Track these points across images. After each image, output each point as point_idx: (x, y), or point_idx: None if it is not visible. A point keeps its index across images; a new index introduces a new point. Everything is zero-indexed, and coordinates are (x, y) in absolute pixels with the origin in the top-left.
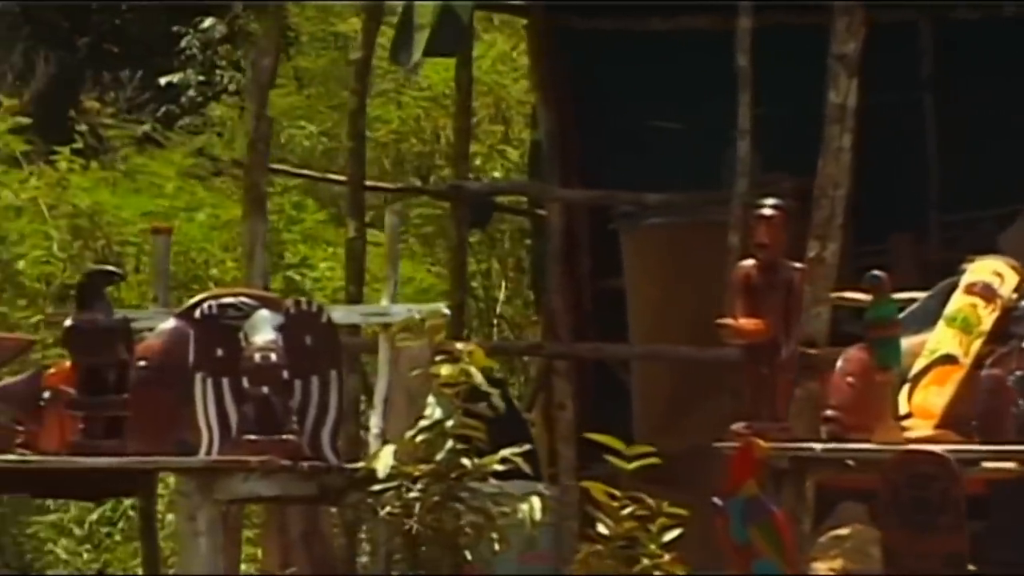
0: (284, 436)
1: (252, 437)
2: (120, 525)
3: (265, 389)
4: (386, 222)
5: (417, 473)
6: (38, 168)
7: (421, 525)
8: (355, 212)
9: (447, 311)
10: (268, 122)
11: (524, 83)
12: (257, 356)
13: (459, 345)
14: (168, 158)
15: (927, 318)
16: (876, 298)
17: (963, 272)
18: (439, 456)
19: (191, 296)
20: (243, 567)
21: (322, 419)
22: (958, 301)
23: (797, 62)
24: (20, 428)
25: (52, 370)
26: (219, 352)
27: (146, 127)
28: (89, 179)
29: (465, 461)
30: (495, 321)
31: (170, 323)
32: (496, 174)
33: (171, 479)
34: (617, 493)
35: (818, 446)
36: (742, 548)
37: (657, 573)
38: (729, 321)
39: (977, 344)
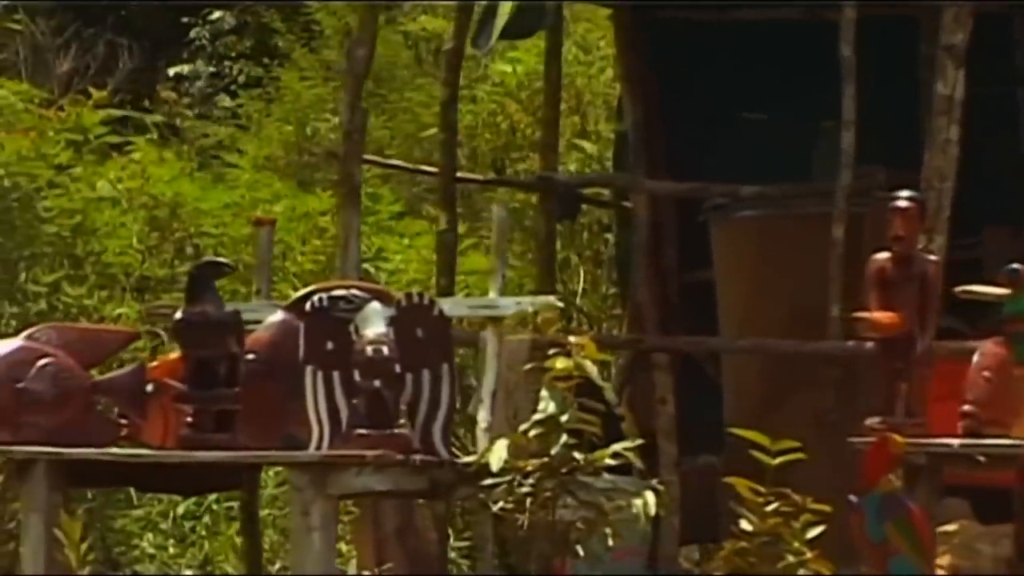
0: (396, 430)
1: (363, 431)
2: (204, 520)
3: (377, 383)
4: (494, 215)
5: (529, 468)
6: (124, 159)
7: (532, 520)
8: (447, 204)
9: (559, 304)
10: (363, 113)
11: (603, 75)
12: (369, 349)
13: (571, 338)
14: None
15: None
16: (1014, 292)
17: None
18: (554, 450)
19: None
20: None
21: (433, 413)
22: None
23: (887, 53)
24: (123, 421)
25: (155, 363)
26: (330, 345)
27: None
28: (168, 170)
29: (577, 455)
30: (574, 315)
31: (278, 316)
32: (571, 167)
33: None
34: (762, 489)
35: (955, 442)
36: (878, 546)
37: (802, 572)
38: (865, 314)
39: None
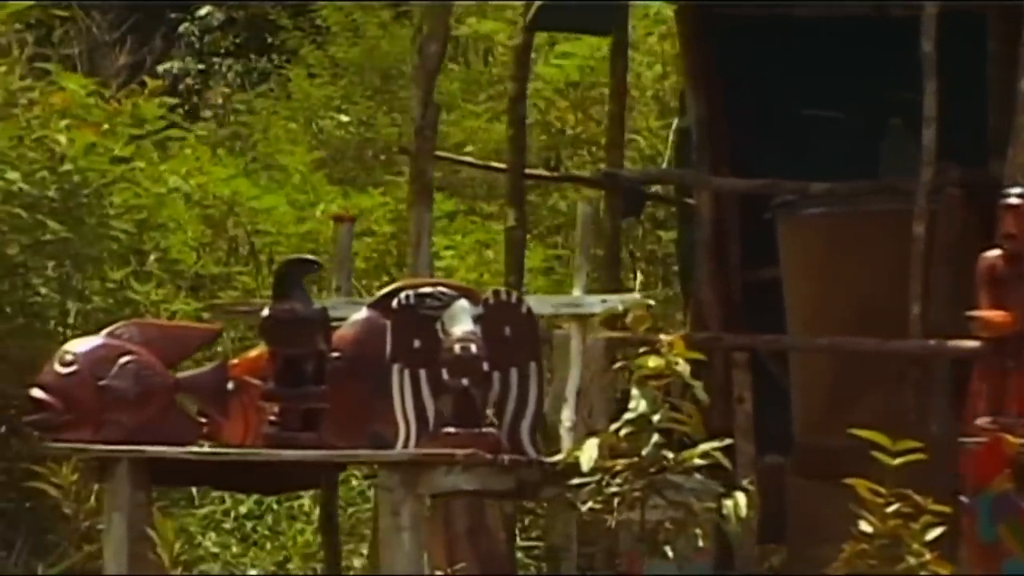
0: (484, 429)
1: (451, 430)
2: (267, 519)
3: (465, 381)
4: (578, 212)
5: (618, 468)
6: (184, 153)
7: (620, 520)
8: (515, 200)
9: (651, 302)
10: (435, 108)
11: (651, 71)
12: (457, 347)
13: (663, 337)
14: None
15: None
16: None
17: None
18: (645, 450)
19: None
20: None
21: (521, 412)
22: None
23: (954, 50)
24: (204, 420)
25: (235, 360)
26: (417, 343)
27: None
28: (222, 169)
29: (668, 454)
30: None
31: (363, 313)
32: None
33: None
34: (882, 490)
35: None
36: (990, 547)
37: (923, 573)
38: (978, 313)
39: None
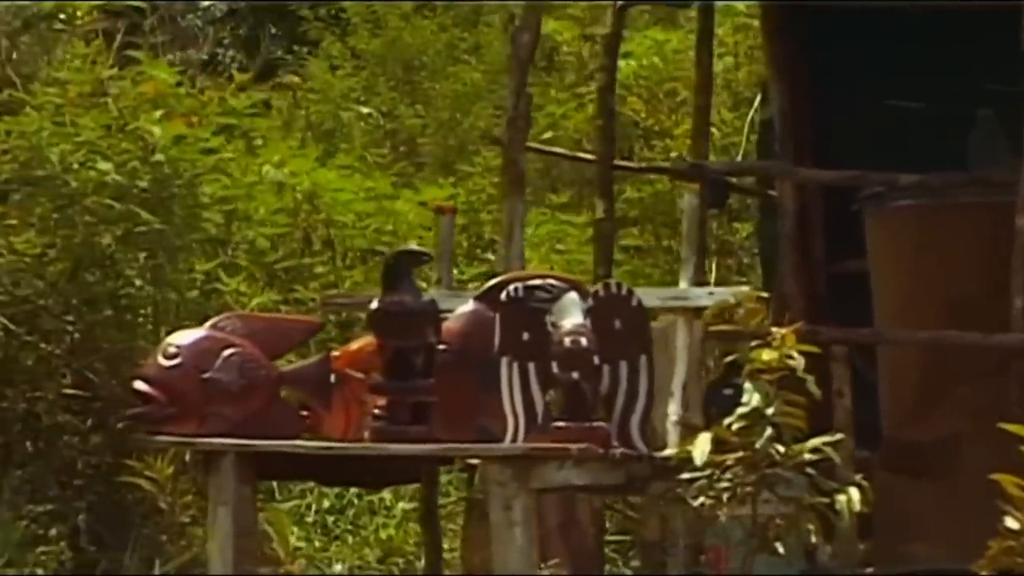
0: (595, 423)
1: (561, 424)
2: (347, 513)
3: (575, 375)
4: (685, 204)
5: (729, 462)
6: (273, 145)
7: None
8: (604, 191)
9: (764, 294)
10: (528, 98)
11: (728, 61)
12: (567, 340)
13: (775, 330)
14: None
15: None
16: None
17: None
18: (758, 444)
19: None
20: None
21: (631, 406)
22: None
23: None
24: (305, 413)
25: (337, 353)
26: (525, 336)
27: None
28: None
29: (780, 448)
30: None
31: (469, 306)
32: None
33: None
34: None
35: None
36: None
37: None
38: None
39: None
